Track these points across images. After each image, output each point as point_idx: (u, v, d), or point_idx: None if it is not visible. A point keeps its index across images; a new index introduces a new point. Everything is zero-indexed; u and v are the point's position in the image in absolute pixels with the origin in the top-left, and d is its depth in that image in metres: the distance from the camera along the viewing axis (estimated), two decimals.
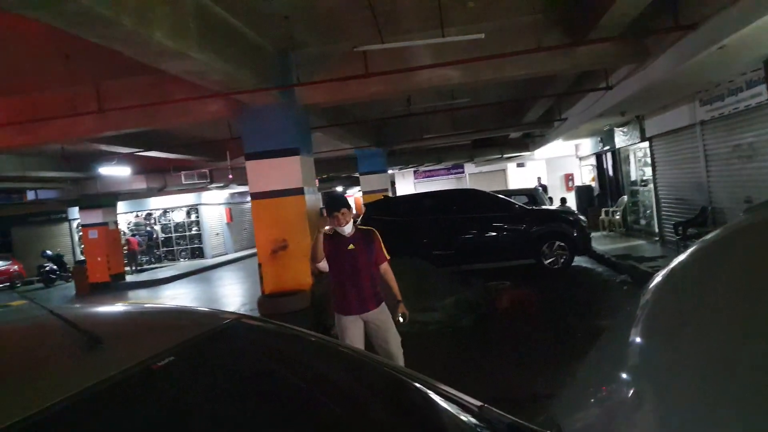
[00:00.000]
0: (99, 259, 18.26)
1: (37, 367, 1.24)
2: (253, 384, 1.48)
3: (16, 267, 21.88)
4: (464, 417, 1.57)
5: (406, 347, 4.33)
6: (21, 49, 7.28)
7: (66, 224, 26.34)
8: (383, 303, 4.22)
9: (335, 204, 4.10)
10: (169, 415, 1.22)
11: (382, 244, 4.27)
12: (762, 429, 1.16)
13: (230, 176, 17.59)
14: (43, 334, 1.47)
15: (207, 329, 1.62)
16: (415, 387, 1.69)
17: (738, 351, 1.35)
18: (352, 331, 4.09)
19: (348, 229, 4.11)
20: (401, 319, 4.19)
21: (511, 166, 27.58)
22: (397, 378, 1.74)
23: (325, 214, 4.09)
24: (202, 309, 2.06)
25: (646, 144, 13.19)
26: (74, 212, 23.02)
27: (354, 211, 4.45)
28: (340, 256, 4.11)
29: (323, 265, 4.16)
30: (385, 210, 12.22)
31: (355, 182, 25.19)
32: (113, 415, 1.15)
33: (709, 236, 1.95)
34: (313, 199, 9.49)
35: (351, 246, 4.10)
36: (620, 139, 14.99)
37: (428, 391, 1.66)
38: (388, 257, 4.30)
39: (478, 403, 1.65)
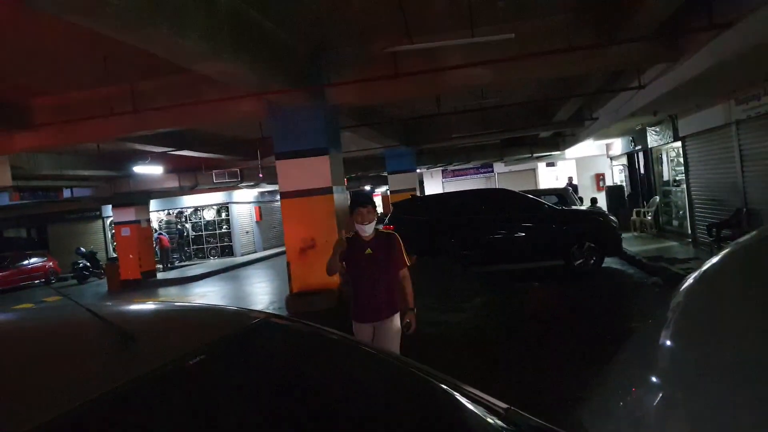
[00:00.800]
0: (131, 256, 18.63)
1: (73, 364, 1.27)
2: (282, 383, 1.50)
3: (51, 264, 22.46)
4: (490, 419, 1.58)
5: (432, 347, 4.29)
6: (59, 50, 7.49)
7: (99, 222, 26.94)
8: (397, 314, 4.05)
9: (361, 199, 4.01)
10: (200, 413, 1.24)
11: (403, 250, 4.11)
12: None
13: (260, 175, 17.78)
14: (79, 330, 1.51)
15: (237, 328, 1.65)
16: (442, 389, 1.69)
17: None
18: (360, 339, 3.90)
19: (369, 230, 3.98)
20: (406, 330, 4.00)
21: (541, 166, 27.28)
22: (424, 380, 1.74)
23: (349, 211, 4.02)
24: (233, 308, 2.10)
25: (679, 144, 12.94)
26: (108, 210, 23.53)
27: (381, 210, 4.40)
28: (357, 261, 4.00)
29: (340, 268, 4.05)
30: (412, 209, 12.22)
31: (383, 181, 25.19)
32: (145, 412, 1.18)
33: (743, 238, 1.93)
34: (342, 198, 9.56)
35: (368, 251, 3.98)
36: (652, 138, 14.73)
37: (455, 393, 1.67)
38: (409, 263, 4.15)
39: (504, 406, 1.65)
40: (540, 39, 7.96)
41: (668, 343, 1.75)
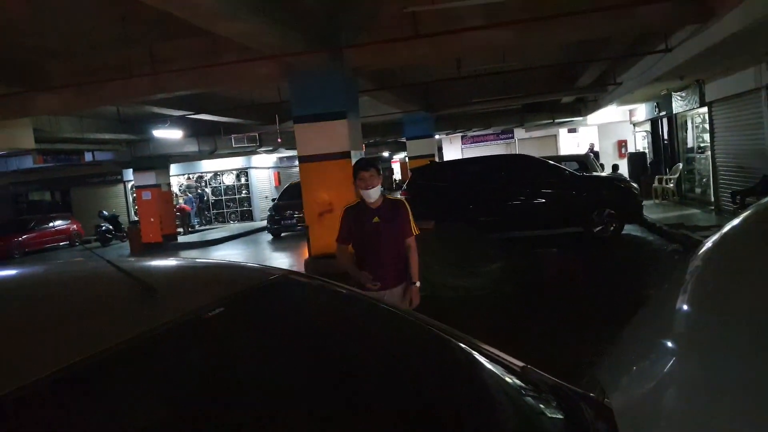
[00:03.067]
0: (152, 219, 18.89)
1: (95, 313, 1.29)
2: (300, 337, 1.52)
3: (75, 226, 22.88)
4: (507, 377, 1.59)
5: (450, 310, 4.28)
6: (77, 12, 7.45)
7: (121, 186, 27.28)
8: (404, 283, 3.94)
9: (362, 164, 3.86)
10: (217, 363, 1.27)
11: (411, 217, 3.94)
12: None
13: (279, 140, 17.78)
14: (101, 282, 1.54)
15: (256, 283, 1.66)
16: (459, 346, 1.70)
17: None
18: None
19: (374, 195, 3.81)
20: (408, 304, 3.87)
21: (562, 132, 26.89)
22: (441, 337, 1.75)
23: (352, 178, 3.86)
24: (252, 264, 2.12)
25: (705, 109, 12.66)
26: (129, 174, 23.80)
27: (399, 177, 4.33)
28: (362, 229, 3.85)
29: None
30: (431, 175, 12.18)
31: (402, 147, 25.07)
32: (165, 361, 1.20)
33: (763, 201, 1.88)
34: None
35: (376, 219, 3.82)
36: (678, 104, 14.41)
37: (471, 350, 1.68)
38: (417, 231, 3.98)
39: (521, 364, 1.66)
40: None
41: (684, 307, 1.73)
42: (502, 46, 8.90)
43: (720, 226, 1.94)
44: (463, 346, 1.70)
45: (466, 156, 25.55)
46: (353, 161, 8.97)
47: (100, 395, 1.06)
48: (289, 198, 17.62)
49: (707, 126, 12.78)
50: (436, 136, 22.79)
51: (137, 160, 19.28)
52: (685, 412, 1.35)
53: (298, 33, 7.41)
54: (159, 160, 19.47)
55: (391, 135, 22.72)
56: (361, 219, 3.87)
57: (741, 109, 10.93)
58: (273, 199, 21.76)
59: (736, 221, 1.89)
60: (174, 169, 23.76)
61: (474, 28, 7.75)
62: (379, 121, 19.45)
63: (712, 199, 12.80)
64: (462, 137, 28.27)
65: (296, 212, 16.57)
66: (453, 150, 28.67)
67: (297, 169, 15.29)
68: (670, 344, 1.66)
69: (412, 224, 3.94)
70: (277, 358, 1.36)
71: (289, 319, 1.64)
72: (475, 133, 27.45)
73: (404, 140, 20.73)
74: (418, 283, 3.94)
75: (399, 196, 4.95)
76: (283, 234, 17.92)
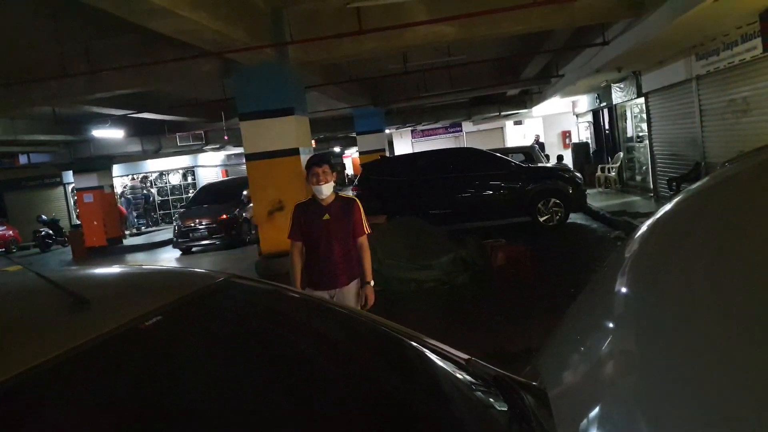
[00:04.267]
0: (95, 223, 18.23)
1: (23, 328, 1.24)
2: (243, 342, 1.48)
3: (11, 233, 21.85)
4: (451, 370, 1.61)
5: (402, 304, 4.31)
6: (6, 8, 7.11)
7: (61, 188, 26.21)
8: (357, 280, 3.92)
9: (315, 159, 3.82)
10: (157, 375, 1.22)
11: (364, 216, 3.91)
12: (745, 372, 1.19)
13: (225, 137, 17.46)
14: (30, 296, 1.46)
15: (196, 289, 1.60)
16: (406, 343, 1.71)
17: (722, 298, 1.38)
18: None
19: (326, 191, 3.77)
20: (362, 305, 3.84)
21: (508, 124, 27.41)
22: (387, 334, 1.75)
23: (305, 173, 3.82)
24: (193, 269, 2.07)
25: (642, 100, 13.11)
26: (69, 176, 22.87)
27: (352, 172, 4.32)
28: (313, 226, 3.81)
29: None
30: (382, 170, 12.21)
31: (353, 142, 25.01)
32: (99, 375, 1.15)
33: (694, 186, 1.98)
34: None
35: (326, 216, 3.79)
36: (617, 95, 14.88)
37: (417, 346, 1.68)
38: (369, 231, 3.96)
39: (466, 357, 1.68)
40: None
41: (621, 289, 1.78)
42: (446, 40, 9.00)
43: (656, 212, 2.01)
44: (410, 342, 1.71)
45: (416, 150, 25.73)
46: (302, 158, 9.00)
47: (28, 416, 1.01)
48: (201, 204, 15.30)
49: (645, 116, 13.25)
50: (387, 131, 22.84)
51: (77, 162, 18.54)
52: (621, 388, 1.40)
53: (241, 29, 7.27)
54: (100, 161, 18.79)
55: (341, 130, 22.64)
56: (311, 216, 3.83)
57: (674, 99, 11.37)
58: (182, 206, 18.93)
59: (667, 206, 1.97)
60: (117, 169, 23.00)
61: (418, 23, 7.82)
62: (329, 116, 19.36)
63: (651, 186, 13.28)
64: (412, 131, 28.45)
65: (208, 222, 14.17)
66: (403, 144, 28.81)
67: (245, 166, 15.01)
68: (607, 325, 1.71)
69: (365, 223, 3.92)
70: (220, 367, 1.32)
71: (232, 325, 1.59)
72: (424, 127, 27.66)
73: (355, 135, 20.67)
74: (372, 283, 3.93)
75: (351, 195, 4.90)
76: (194, 249, 14.68)
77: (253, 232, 13.12)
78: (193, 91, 13.56)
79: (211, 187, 17.01)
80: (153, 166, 26.13)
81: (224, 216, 14.20)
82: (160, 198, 27.13)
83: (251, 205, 13.79)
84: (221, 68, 9.08)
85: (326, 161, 3.82)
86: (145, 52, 8.45)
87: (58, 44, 8.59)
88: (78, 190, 19.30)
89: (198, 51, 7.60)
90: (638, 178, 14.77)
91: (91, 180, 18.62)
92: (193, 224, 14.18)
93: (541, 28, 9.21)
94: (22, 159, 18.11)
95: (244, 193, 14.85)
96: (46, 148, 17.93)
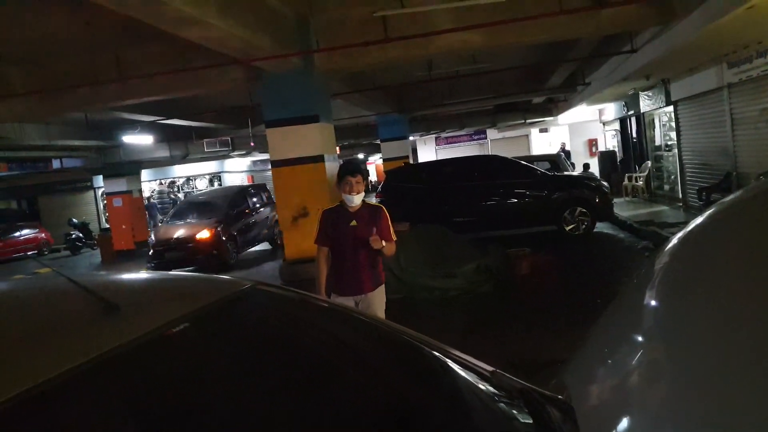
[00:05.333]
0: (123, 226, 18.54)
1: (55, 333, 1.26)
2: (269, 350, 1.50)
3: (43, 235, 22.34)
4: (476, 382, 1.60)
5: (425, 312, 4.28)
6: (40, 17, 7.29)
7: (91, 192, 26.74)
8: (382, 286, 3.94)
9: (351, 168, 3.80)
10: (184, 381, 1.24)
11: (390, 223, 3.91)
12: None
13: (251, 144, 17.65)
14: (62, 300, 1.49)
15: (222, 296, 1.62)
16: (429, 353, 1.70)
17: (754, 312, 1.35)
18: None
19: (356, 200, 3.78)
20: (374, 244, 3.68)
21: (534, 132, 27.22)
22: (411, 344, 1.75)
23: (337, 179, 3.82)
24: (219, 276, 2.09)
25: (671, 108, 12.91)
26: (99, 180, 23.33)
27: (375, 179, 4.29)
28: (340, 232, 3.81)
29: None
30: (405, 177, 12.21)
31: (376, 149, 25.09)
32: (128, 380, 1.17)
33: (727, 198, 1.94)
34: (333, 166, 9.51)
35: (353, 222, 3.78)
36: (645, 103, 14.68)
37: (442, 357, 1.68)
38: (395, 238, 3.93)
39: (490, 368, 1.67)
40: (532, 2, 7.84)
41: (650, 302, 1.76)
42: (472, 48, 8.98)
43: (687, 223, 1.98)
44: (435, 353, 1.70)
45: (440, 157, 25.68)
46: (327, 165, 9.04)
47: (59, 420, 1.03)
48: (182, 218, 13.16)
49: (673, 124, 13.04)
50: (410, 138, 22.87)
51: (107, 167, 18.93)
52: (650, 405, 1.38)
53: (268, 37, 7.36)
54: (130, 166, 19.16)
55: (365, 137, 22.74)
56: (338, 222, 3.84)
57: (705, 108, 11.17)
58: (160, 220, 17.28)
59: (699, 218, 1.94)
60: (146, 174, 23.40)
61: (444, 31, 7.81)
62: (353, 124, 19.47)
63: (680, 195, 13.06)
64: (436, 138, 28.42)
65: (185, 241, 11.88)
66: (427, 151, 28.78)
67: (270, 172, 15.13)
68: (637, 338, 1.69)
69: (391, 230, 3.92)
70: (246, 374, 1.34)
71: (258, 332, 1.61)
72: (448, 135, 27.61)
73: (378, 142, 20.73)
74: (384, 243, 3.77)
75: (375, 201, 4.90)
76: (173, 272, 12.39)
77: (235, 254, 12.48)
78: (221, 98, 13.78)
79: (195, 199, 15.12)
80: (180, 171, 26.52)
81: (202, 234, 11.86)
82: None
83: (250, 218, 13.39)
84: (248, 76, 9.19)
85: (360, 171, 3.83)
86: (174, 60, 8.61)
87: (91, 52, 8.80)
88: (107, 195, 19.67)
89: (226, 59, 7.71)
90: (666, 187, 14.54)
91: (120, 184, 18.97)
92: (167, 243, 11.97)
93: (567, 37, 9.16)
94: (55, 163, 18.53)
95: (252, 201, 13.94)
96: (78, 153, 18.36)
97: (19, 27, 7.54)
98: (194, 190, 27.51)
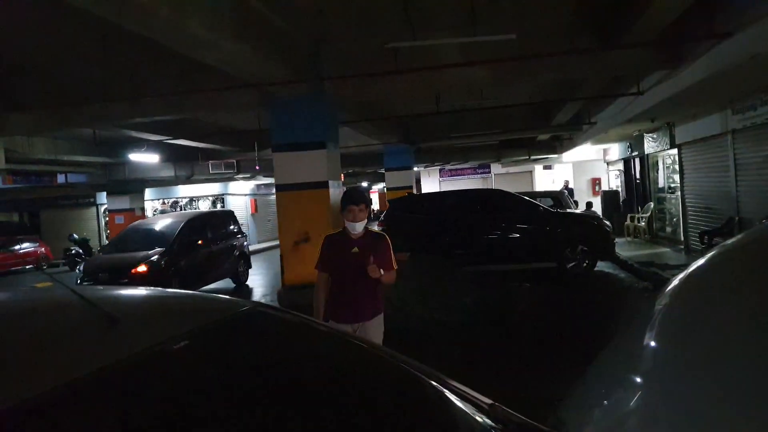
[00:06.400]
0: None
1: (56, 344, 1.26)
2: (267, 371, 1.49)
3: (42, 249, 22.33)
4: (474, 414, 1.59)
5: (421, 343, 4.24)
6: (55, 31, 7.42)
7: (93, 209, 26.82)
8: (380, 315, 3.93)
9: (354, 197, 3.80)
10: (181, 397, 1.24)
11: (392, 252, 3.92)
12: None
13: (257, 167, 17.76)
14: (64, 312, 1.50)
15: (223, 315, 1.64)
16: (428, 383, 1.69)
17: (754, 357, 1.35)
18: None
19: (359, 228, 3.80)
20: (372, 273, 3.66)
21: (537, 168, 27.37)
22: (410, 373, 1.74)
23: (340, 207, 3.82)
24: (220, 296, 2.09)
25: (675, 151, 13.01)
26: (102, 197, 23.42)
27: (378, 207, 4.29)
28: (341, 259, 3.80)
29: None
30: (408, 207, 12.24)
31: (380, 178, 25.20)
32: (126, 394, 1.17)
33: (728, 242, 1.95)
34: (338, 193, 9.54)
35: (355, 249, 3.78)
36: (649, 145, 14.79)
37: (440, 387, 1.67)
38: (396, 266, 3.92)
39: (489, 401, 1.66)
40: (541, 40, 7.98)
41: (651, 343, 1.76)
42: (479, 83, 9.09)
43: (688, 265, 1.98)
44: (431, 382, 1.69)
45: (443, 189, 25.79)
46: (331, 191, 9.08)
47: (58, 430, 1.02)
48: (121, 248, 11.21)
49: (677, 167, 13.12)
50: (415, 168, 23.00)
51: (112, 184, 19.04)
52: None
53: (280, 63, 7.48)
54: (134, 184, 19.28)
55: (370, 165, 22.87)
56: (340, 248, 3.84)
57: (709, 152, 11.25)
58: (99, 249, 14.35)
59: (701, 261, 1.95)
60: (149, 193, 23.49)
61: (453, 65, 7.92)
62: (359, 152, 19.59)
63: (682, 238, 13.05)
64: (440, 170, 28.57)
65: (117, 274, 10.05)
66: (431, 182, 28.91)
67: (274, 196, 15.19)
68: (635, 379, 1.68)
69: (393, 259, 3.92)
70: (242, 394, 1.33)
71: (257, 354, 1.60)
72: (453, 167, 27.77)
73: (383, 171, 20.84)
74: (383, 272, 3.76)
75: (377, 229, 4.89)
76: None
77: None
78: (229, 120, 13.91)
79: (140, 227, 12.57)
80: (184, 191, 26.61)
81: (139, 267, 10.06)
82: None
83: (206, 249, 11.48)
84: (259, 99, 9.30)
85: (364, 200, 3.82)
86: (186, 81, 8.73)
87: (104, 68, 8.92)
88: (110, 211, 19.77)
89: (237, 82, 7.82)
90: (668, 229, 14.55)
91: (123, 202, 19.07)
92: (95, 276, 10.22)
93: (575, 76, 9.27)
94: (60, 178, 18.65)
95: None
96: (83, 168, 18.48)
97: (33, 39, 7.66)
98: (197, 211, 27.56)
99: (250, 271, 13.87)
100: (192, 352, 1.39)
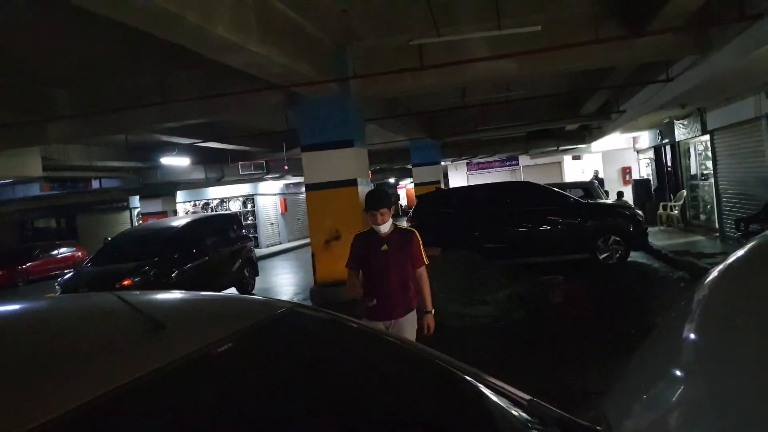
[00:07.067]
0: None
1: (103, 350, 1.29)
2: (308, 371, 1.53)
3: (80, 253, 22.90)
4: (513, 410, 1.60)
5: (456, 339, 4.25)
6: (88, 42, 7.62)
7: (127, 212, 27.38)
8: (413, 312, 3.93)
9: (375, 203, 3.81)
10: (228, 400, 1.26)
11: (422, 247, 3.94)
12: None
13: (286, 167, 17.92)
14: (109, 317, 1.54)
15: (264, 317, 1.67)
16: (466, 379, 1.71)
17: None
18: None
19: (384, 229, 3.83)
20: (425, 332, 3.87)
21: (566, 159, 27.01)
22: (448, 370, 1.76)
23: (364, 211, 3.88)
24: (258, 297, 2.14)
25: (707, 137, 12.75)
26: (135, 201, 23.88)
27: (405, 203, 4.27)
28: (371, 256, 3.84)
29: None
30: (437, 202, 12.24)
31: (408, 174, 25.19)
32: (175, 398, 1.20)
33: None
34: (366, 190, 9.59)
35: (385, 246, 3.81)
36: (680, 132, 14.52)
37: (478, 384, 1.68)
38: (427, 261, 3.97)
39: (528, 397, 1.67)
40: (567, 30, 7.91)
41: (691, 336, 1.74)
42: (506, 75, 9.03)
43: (725, 253, 1.97)
44: (468, 378, 1.72)
45: (471, 182, 25.65)
46: (360, 189, 9.14)
47: None
48: (106, 259, 9.97)
49: (710, 153, 12.86)
50: (442, 163, 22.93)
51: (144, 188, 19.41)
52: None
53: (306, 63, 7.56)
54: (166, 187, 19.62)
55: (397, 161, 22.88)
56: (370, 246, 3.88)
57: (742, 138, 11.01)
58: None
59: (740, 251, 1.92)
60: (181, 195, 23.90)
61: (478, 59, 7.90)
62: (386, 148, 19.64)
63: (717, 225, 12.80)
64: (467, 164, 28.42)
65: (99, 289, 7.89)
66: (458, 177, 28.78)
67: (303, 195, 15.35)
68: (677, 373, 1.67)
69: (423, 254, 3.94)
70: (287, 394, 1.37)
71: (298, 354, 1.64)
72: (480, 160, 27.60)
73: (410, 167, 20.83)
74: (432, 311, 3.94)
75: (407, 226, 4.91)
76: None
77: None
78: (257, 121, 14.08)
79: (132, 234, 11.59)
80: (214, 193, 26.98)
81: (125, 282, 8.82)
82: None
83: (204, 259, 10.12)
84: (286, 101, 9.41)
85: (384, 204, 3.82)
86: (214, 85, 8.88)
87: (135, 75, 9.15)
88: (143, 215, 20.14)
89: (264, 84, 7.93)
90: (702, 217, 14.28)
91: (155, 205, 19.42)
92: (75, 293, 8.66)
93: (602, 65, 9.15)
94: (95, 184, 19.11)
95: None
96: (116, 173, 18.91)
97: (68, 51, 7.89)
98: (227, 212, 27.92)
99: (283, 270, 13.49)
100: (237, 355, 1.43)
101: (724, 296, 1.77)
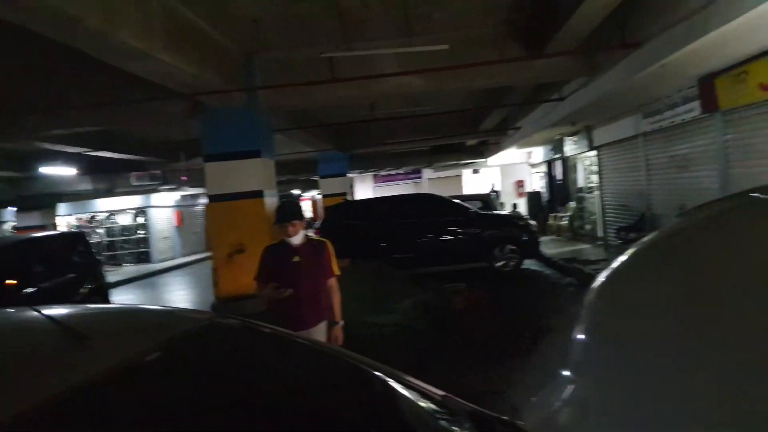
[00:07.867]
0: None
1: (24, 365, 1.25)
2: (232, 379, 1.54)
3: None
4: (428, 405, 1.69)
5: (364, 347, 4.26)
6: None
7: None
8: (324, 322, 3.92)
9: (286, 215, 3.82)
10: (154, 411, 1.25)
11: (334, 258, 3.95)
12: (691, 415, 1.30)
13: (184, 178, 17.24)
14: (28, 331, 1.49)
15: (188, 327, 1.67)
16: (382, 377, 1.78)
17: (673, 345, 1.50)
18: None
19: (296, 239, 3.84)
20: (333, 342, 3.87)
21: (466, 172, 28.05)
22: (367, 371, 1.82)
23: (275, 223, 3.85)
24: (181, 308, 2.12)
25: (594, 153, 13.70)
26: (7, 214, 21.82)
27: (311, 215, 4.17)
28: (282, 268, 3.81)
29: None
30: (345, 213, 12.30)
31: (314, 185, 25.04)
32: (99, 411, 1.18)
33: (644, 239, 2.16)
34: (273, 201, 9.48)
35: (296, 258, 3.81)
36: (570, 147, 15.47)
37: (395, 382, 1.76)
38: (338, 272, 3.98)
39: (442, 393, 1.76)
40: (473, 50, 8.27)
41: (579, 337, 1.87)
42: (415, 91, 9.30)
43: (607, 260, 2.17)
44: (385, 377, 1.79)
45: (377, 194, 25.93)
46: (266, 200, 9.02)
47: None
48: None
49: (595, 168, 13.84)
50: (349, 174, 23.04)
51: (21, 199, 17.73)
52: None
53: (214, 72, 7.40)
54: (46, 199, 18.05)
55: (304, 173, 22.68)
56: (281, 258, 3.84)
57: (624, 154, 11.98)
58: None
59: (622, 258, 2.11)
60: (64, 208, 22.25)
61: (388, 75, 8.06)
62: (293, 159, 19.43)
63: (601, 234, 13.77)
64: (374, 176, 28.73)
65: None
66: (365, 188, 29.03)
67: (201, 207, 14.59)
68: (566, 373, 1.81)
69: (334, 265, 3.95)
70: (211, 403, 1.38)
71: (222, 362, 1.65)
72: (386, 173, 28.00)
73: (317, 178, 20.76)
74: (341, 323, 3.96)
75: (315, 236, 4.91)
76: None
77: None
78: (155, 130, 13.46)
79: None
80: (102, 205, 25.25)
81: None
82: (108, 239, 26.03)
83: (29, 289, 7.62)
84: (189, 109, 9.11)
85: (296, 217, 3.84)
86: (113, 92, 8.42)
87: (21, 78, 8.46)
88: (17, 229, 18.44)
89: (167, 92, 7.65)
90: (588, 226, 15.24)
91: (34, 218, 17.88)
92: None
93: (504, 83, 9.64)
94: None
95: None
96: None
97: None
98: (116, 225, 26.23)
99: (178, 287, 12.87)
100: (161, 365, 1.42)
101: (607, 301, 1.93)
